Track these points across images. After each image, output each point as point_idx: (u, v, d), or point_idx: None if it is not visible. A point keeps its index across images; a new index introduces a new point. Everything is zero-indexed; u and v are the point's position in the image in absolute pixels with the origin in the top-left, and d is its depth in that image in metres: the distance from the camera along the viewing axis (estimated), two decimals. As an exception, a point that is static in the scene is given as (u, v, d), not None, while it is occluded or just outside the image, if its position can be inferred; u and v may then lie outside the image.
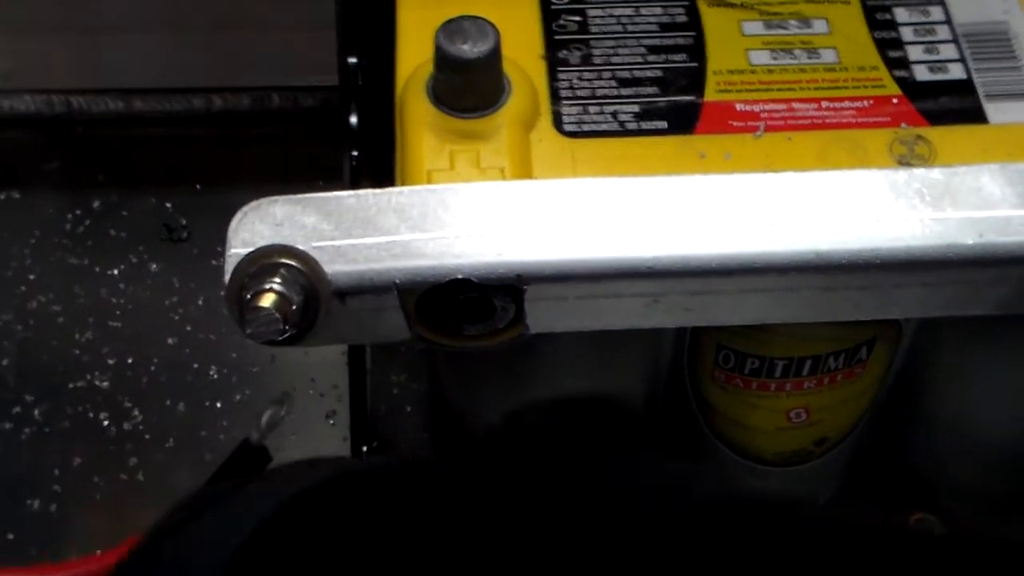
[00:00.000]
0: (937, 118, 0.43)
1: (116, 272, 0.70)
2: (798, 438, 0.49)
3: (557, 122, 0.43)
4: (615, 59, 0.44)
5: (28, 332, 0.68)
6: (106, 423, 0.65)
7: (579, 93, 0.43)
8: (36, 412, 0.65)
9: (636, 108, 0.43)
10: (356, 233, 0.37)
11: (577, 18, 0.45)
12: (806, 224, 0.37)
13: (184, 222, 0.73)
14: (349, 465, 0.46)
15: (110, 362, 0.67)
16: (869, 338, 0.45)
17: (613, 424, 0.48)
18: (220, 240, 0.37)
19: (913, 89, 0.43)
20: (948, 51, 0.44)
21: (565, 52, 0.44)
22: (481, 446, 0.49)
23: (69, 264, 0.71)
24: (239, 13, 0.71)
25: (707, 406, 0.49)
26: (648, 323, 0.39)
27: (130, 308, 0.69)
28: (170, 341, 0.68)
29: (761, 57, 0.44)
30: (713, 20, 0.45)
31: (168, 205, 0.73)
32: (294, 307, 0.35)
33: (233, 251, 0.36)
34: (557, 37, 0.45)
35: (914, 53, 0.44)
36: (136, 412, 0.65)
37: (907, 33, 0.45)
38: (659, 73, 0.44)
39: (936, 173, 0.38)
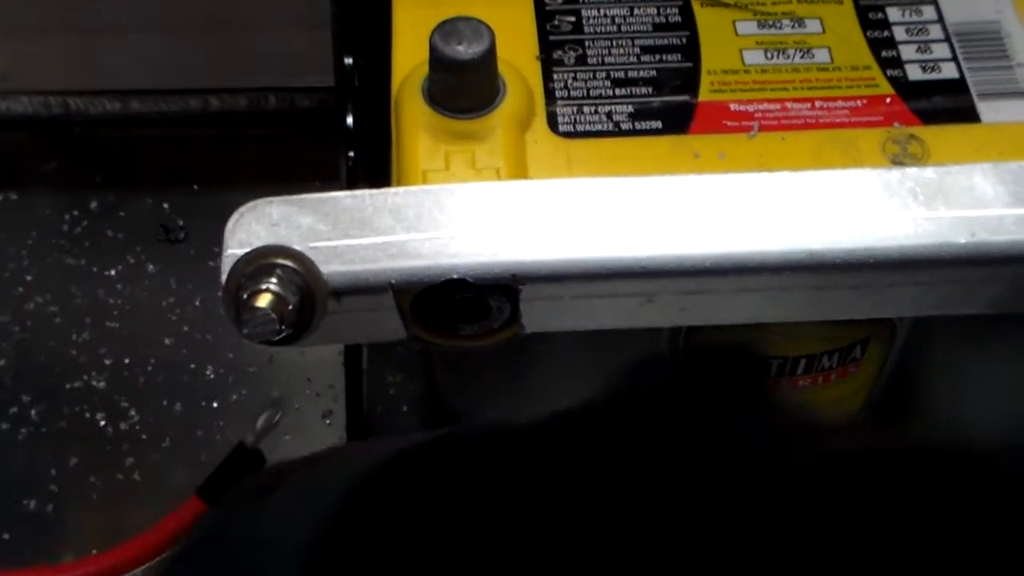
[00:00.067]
0: (930, 117, 0.43)
1: (113, 273, 0.70)
2: (793, 437, 0.49)
3: (552, 122, 0.43)
4: (609, 59, 0.44)
5: (25, 333, 0.68)
6: (103, 423, 0.65)
7: (574, 93, 0.44)
8: (33, 412, 0.65)
9: (630, 108, 0.43)
10: (352, 233, 0.37)
11: (571, 19, 0.45)
12: (800, 223, 0.37)
13: (181, 223, 0.73)
14: (440, 434, 0.43)
15: (107, 362, 0.67)
16: (863, 337, 0.45)
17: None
18: (217, 241, 0.37)
19: (906, 88, 0.43)
20: (941, 50, 0.44)
21: (560, 53, 0.45)
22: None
23: (66, 265, 0.71)
24: (235, 14, 0.71)
25: (702, 405, 0.49)
26: (643, 322, 0.39)
27: (127, 309, 0.69)
28: (167, 341, 0.68)
29: (755, 57, 0.44)
30: (707, 20, 0.45)
31: (165, 206, 0.73)
32: (290, 307, 0.35)
33: (229, 252, 0.36)
34: (552, 38, 0.45)
35: (907, 52, 0.44)
36: (133, 412, 0.65)
37: (900, 33, 0.45)
38: (653, 73, 0.44)
39: (929, 172, 0.38)
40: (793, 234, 0.37)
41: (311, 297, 0.36)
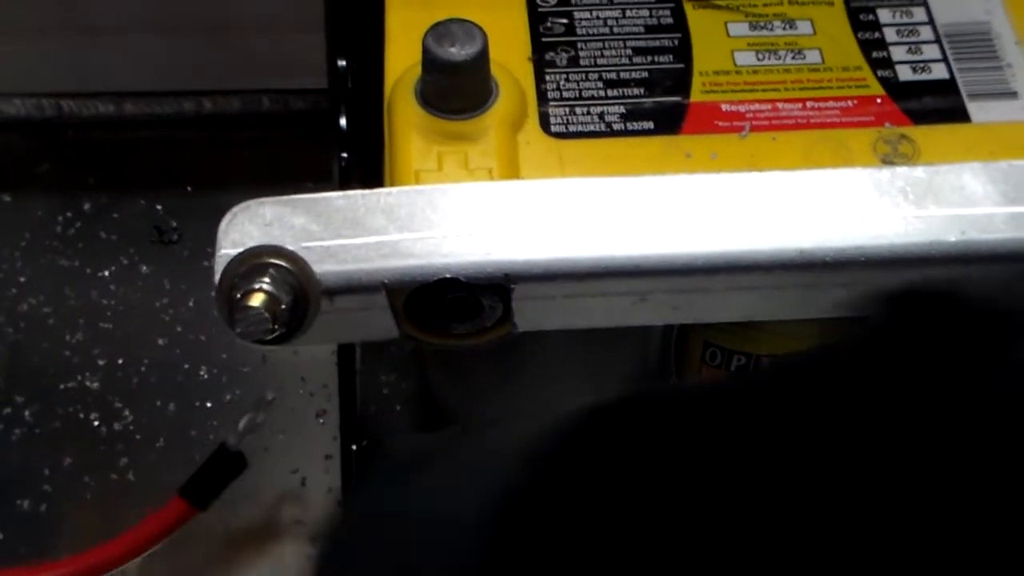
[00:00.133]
0: (920, 117, 0.43)
1: (107, 274, 0.70)
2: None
3: (544, 123, 0.43)
4: (601, 61, 0.45)
5: (19, 334, 0.68)
6: (96, 423, 0.65)
7: (566, 94, 0.44)
8: (27, 413, 0.65)
9: (623, 109, 0.43)
10: (345, 233, 0.37)
11: (564, 20, 0.46)
12: (791, 222, 0.37)
13: (175, 224, 0.73)
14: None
15: (101, 363, 0.67)
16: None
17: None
18: (210, 242, 0.37)
19: (896, 89, 0.44)
20: (931, 51, 0.45)
21: (552, 54, 0.45)
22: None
23: (60, 266, 0.71)
24: (229, 17, 0.71)
25: (694, 404, 0.49)
26: (635, 321, 0.39)
27: (121, 310, 0.69)
28: (160, 342, 0.68)
29: (746, 58, 0.45)
30: (699, 22, 0.46)
31: (159, 207, 0.73)
32: (283, 306, 0.35)
33: (223, 252, 0.37)
34: (544, 39, 0.45)
35: (897, 53, 0.45)
36: (126, 412, 0.65)
37: (890, 34, 0.45)
38: (645, 74, 0.44)
39: (919, 172, 0.38)
40: (785, 233, 0.37)
41: (304, 296, 0.36)
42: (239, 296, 0.35)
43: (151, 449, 0.64)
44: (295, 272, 0.36)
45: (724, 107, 0.43)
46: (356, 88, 0.51)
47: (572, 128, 0.43)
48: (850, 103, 0.43)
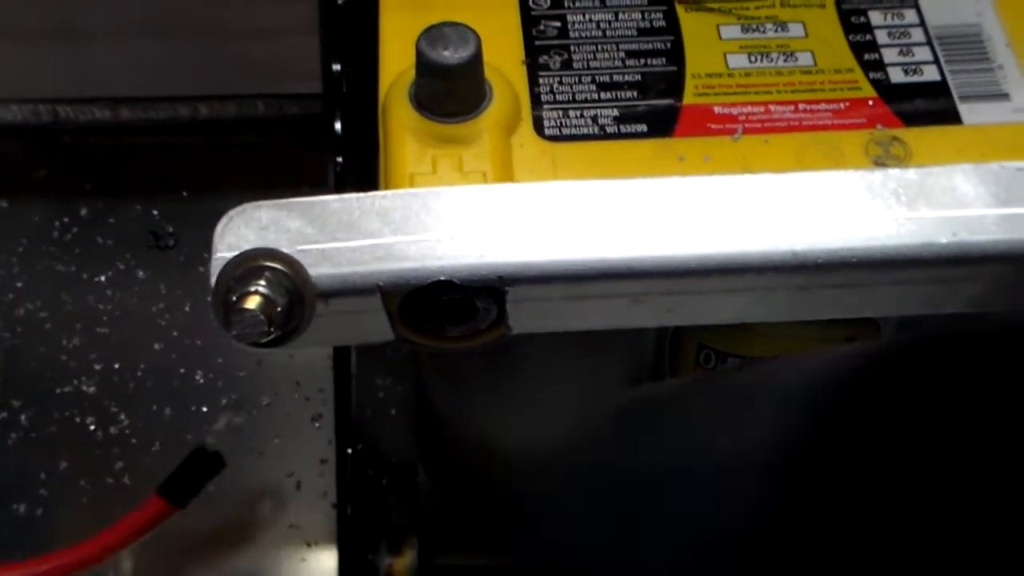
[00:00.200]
0: (912, 119, 0.43)
1: (103, 279, 0.71)
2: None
3: (538, 126, 0.43)
4: (594, 64, 0.45)
5: (16, 339, 0.68)
6: (92, 428, 0.65)
7: (559, 98, 0.44)
8: (23, 417, 0.65)
9: (616, 112, 0.43)
10: (340, 236, 0.37)
11: (557, 24, 0.46)
12: (783, 224, 0.37)
13: (171, 229, 0.73)
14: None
15: (97, 368, 0.67)
16: (849, 337, 0.45)
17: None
18: (206, 247, 0.37)
19: (888, 91, 0.44)
20: (922, 53, 0.45)
21: (545, 57, 0.45)
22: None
23: (56, 271, 0.71)
24: (224, 22, 0.72)
25: (689, 406, 0.49)
26: (630, 323, 0.39)
27: (117, 314, 0.69)
28: (156, 347, 0.68)
29: (739, 60, 0.45)
30: (691, 25, 0.46)
31: (155, 212, 0.74)
32: (279, 309, 0.36)
33: (219, 255, 0.37)
34: (537, 43, 0.45)
35: (889, 55, 0.45)
36: (122, 417, 0.66)
37: (882, 36, 0.45)
38: (638, 77, 0.44)
39: (911, 173, 0.38)
40: (777, 235, 0.37)
41: (299, 299, 0.36)
42: (235, 299, 0.35)
43: (147, 453, 0.65)
44: (291, 275, 0.36)
45: (717, 110, 0.43)
46: (351, 92, 0.51)
47: (566, 131, 0.43)
48: (842, 105, 0.43)
